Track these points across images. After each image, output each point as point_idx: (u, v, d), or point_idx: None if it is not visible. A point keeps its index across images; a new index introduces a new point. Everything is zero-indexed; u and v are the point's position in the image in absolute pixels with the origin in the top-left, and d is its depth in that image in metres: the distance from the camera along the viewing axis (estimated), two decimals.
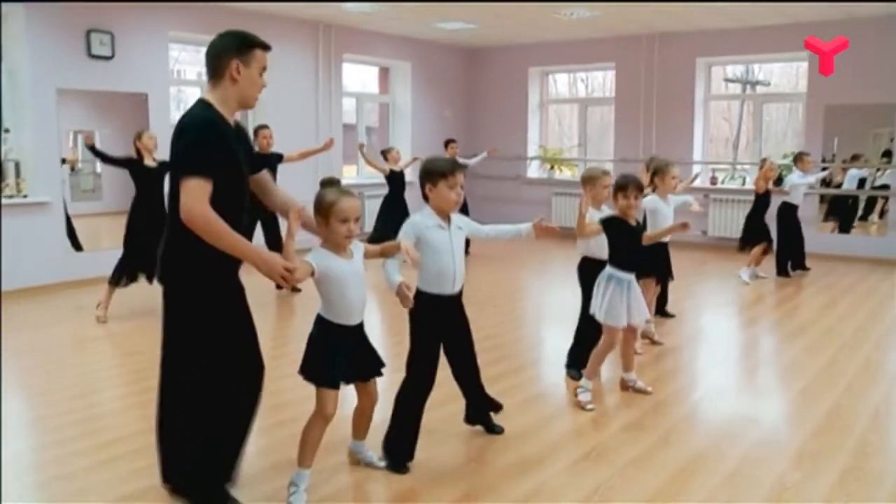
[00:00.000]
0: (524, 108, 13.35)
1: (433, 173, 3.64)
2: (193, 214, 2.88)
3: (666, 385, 5.11)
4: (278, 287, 6.73)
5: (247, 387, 3.23)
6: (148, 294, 6.27)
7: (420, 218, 3.67)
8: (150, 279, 6.67)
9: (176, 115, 10.12)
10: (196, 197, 2.88)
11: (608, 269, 4.63)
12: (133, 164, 6.83)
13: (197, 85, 10.21)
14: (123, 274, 6.72)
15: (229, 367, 3.12)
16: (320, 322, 3.28)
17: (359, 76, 12.71)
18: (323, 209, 3.14)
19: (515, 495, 3.43)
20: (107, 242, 8.55)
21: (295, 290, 7.35)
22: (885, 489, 3.56)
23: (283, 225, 3.31)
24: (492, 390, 4.29)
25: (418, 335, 3.72)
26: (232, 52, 3.05)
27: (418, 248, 3.56)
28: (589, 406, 4.57)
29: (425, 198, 3.70)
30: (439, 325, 3.75)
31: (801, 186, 8.92)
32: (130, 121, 9.00)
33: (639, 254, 4.72)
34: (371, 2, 9.41)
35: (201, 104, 3.06)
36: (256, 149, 7.18)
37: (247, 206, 3.18)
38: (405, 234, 3.58)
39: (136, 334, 6.36)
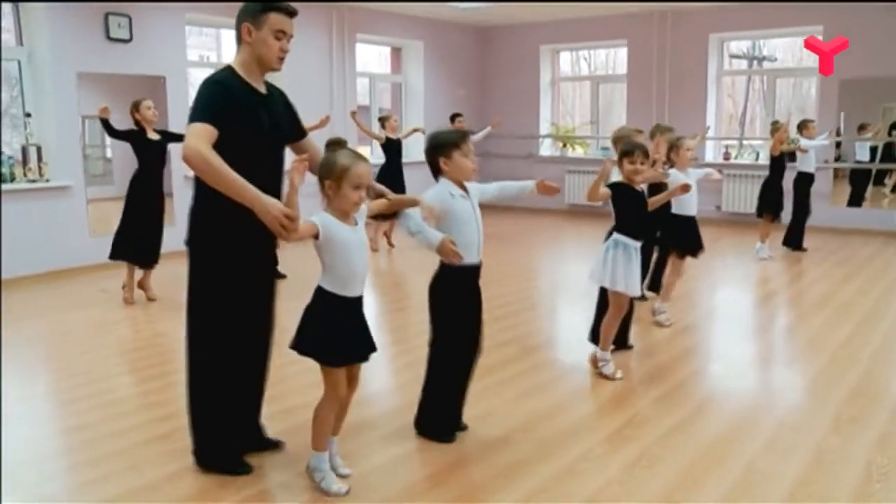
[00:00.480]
0: (536, 86, 13.35)
1: (445, 145, 3.59)
2: (189, 151, 2.94)
3: (689, 360, 5.17)
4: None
5: (258, 344, 3.44)
6: (170, 276, 6.32)
7: (445, 188, 3.58)
8: (143, 265, 6.82)
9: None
10: (196, 137, 2.96)
11: (615, 235, 4.61)
12: (135, 136, 6.67)
13: (213, 67, 10.20)
14: (120, 247, 6.74)
15: (241, 324, 3.30)
16: (322, 294, 3.11)
17: (371, 57, 12.69)
18: (335, 173, 3.00)
19: (562, 463, 3.51)
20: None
21: (279, 275, 7.11)
22: None
23: None
24: (511, 371, 4.37)
25: (447, 308, 3.65)
26: (245, 16, 3.19)
27: (444, 220, 3.53)
28: (617, 375, 4.63)
29: (438, 172, 3.61)
30: (466, 295, 3.68)
31: (812, 150, 8.95)
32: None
33: (645, 220, 4.70)
34: None
35: (224, 68, 3.24)
36: None
37: (269, 169, 3.21)
38: (434, 201, 3.50)
39: (159, 317, 6.42)
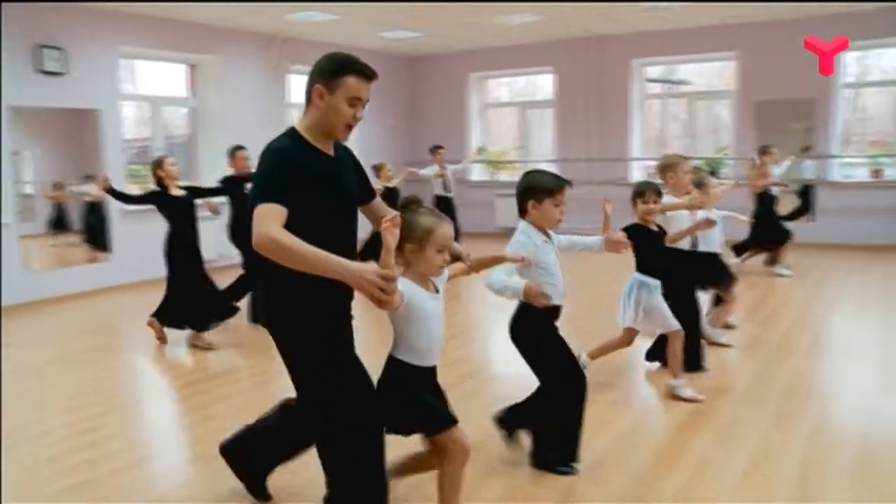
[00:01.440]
0: (465, 113, 13.68)
1: (539, 189, 3.49)
2: (260, 239, 2.58)
3: (637, 366, 5.43)
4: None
5: (370, 415, 2.90)
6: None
7: (529, 238, 3.52)
8: (198, 328, 6.37)
9: (130, 131, 10.16)
10: (263, 221, 2.61)
11: (636, 276, 4.69)
12: (158, 197, 6.23)
13: (148, 101, 10.18)
14: (170, 315, 6.37)
15: (353, 398, 2.85)
16: (397, 366, 2.91)
17: (302, 87, 12.77)
18: (417, 235, 2.80)
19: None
20: (41, 264, 8.68)
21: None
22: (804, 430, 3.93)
23: None
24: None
25: (544, 345, 3.61)
26: (319, 77, 2.81)
27: (532, 268, 3.47)
28: (699, 397, 4.60)
29: (524, 213, 3.55)
30: (549, 331, 3.64)
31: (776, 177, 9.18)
32: (73, 138, 9.02)
33: (664, 258, 4.74)
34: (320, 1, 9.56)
35: (287, 131, 2.89)
36: (232, 171, 7.02)
37: (345, 237, 2.89)
38: (520, 252, 3.43)
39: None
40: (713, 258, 5.71)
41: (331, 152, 2.89)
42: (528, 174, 3.62)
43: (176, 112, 11.10)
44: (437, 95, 13.82)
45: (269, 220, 2.60)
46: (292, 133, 2.85)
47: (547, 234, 3.58)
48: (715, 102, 15.28)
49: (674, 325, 4.66)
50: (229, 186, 6.87)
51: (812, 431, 4.10)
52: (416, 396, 2.89)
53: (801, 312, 6.99)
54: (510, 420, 3.82)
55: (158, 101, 10.11)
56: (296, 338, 2.84)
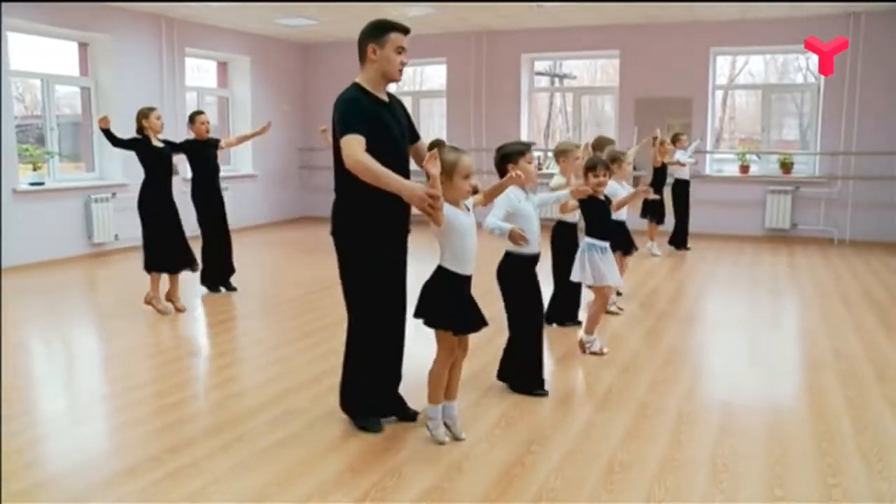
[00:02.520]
0: None
1: (513, 154, 4.32)
2: (351, 161, 3.51)
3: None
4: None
5: (398, 317, 3.99)
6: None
7: (513, 192, 4.34)
8: (192, 267, 6.84)
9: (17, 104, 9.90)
10: (351, 147, 3.54)
11: (587, 240, 5.36)
12: (140, 145, 6.62)
13: (38, 78, 9.93)
14: (156, 261, 6.65)
15: (383, 306, 3.88)
16: (443, 273, 3.67)
17: (198, 71, 12.70)
18: (446, 168, 3.51)
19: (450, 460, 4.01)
20: None
21: (231, 287, 7.62)
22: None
23: None
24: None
25: (518, 288, 4.52)
26: (368, 37, 3.77)
27: (513, 218, 4.33)
28: (605, 350, 5.43)
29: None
30: (527, 277, 4.54)
31: (687, 162, 10.06)
32: None
33: (610, 224, 5.47)
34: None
35: (352, 85, 3.80)
36: (193, 135, 7.39)
37: (400, 164, 3.69)
38: (502, 207, 4.31)
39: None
40: (621, 226, 6.46)
41: (386, 99, 3.85)
42: (500, 147, 4.44)
43: (64, 91, 10.86)
44: (332, 83, 13.82)
45: (356, 146, 3.53)
46: (356, 86, 3.78)
47: (526, 193, 4.45)
48: (598, 97, 16.07)
49: (618, 281, 5.53)
50: (190, 149, 7.31)
51: (685, 395, 4.62)
52: (449, 299, 3.65)
53: (676, 293, 7.61)
54: (504, 373, 4.69)
55: (49, 78, 9.89)
56: (348, 242, 3.82)
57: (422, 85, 16.55)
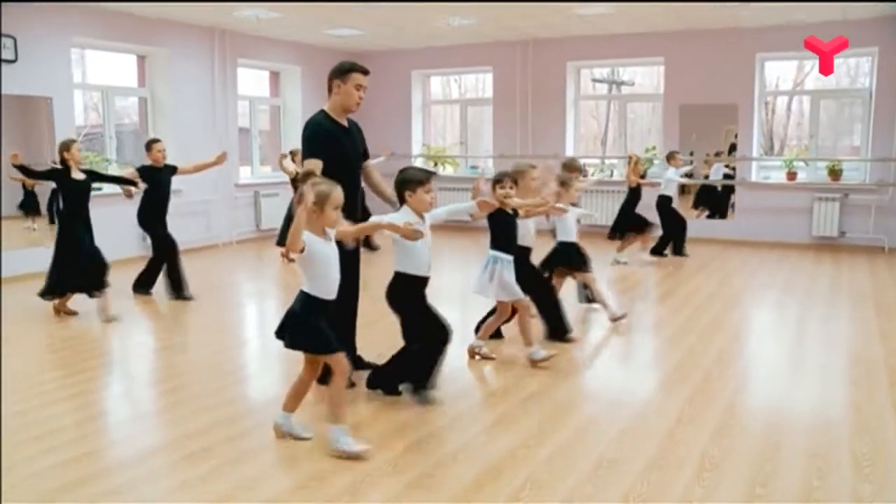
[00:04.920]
0: (408, 109, 14.14)
1: (413, 181, 4.30)
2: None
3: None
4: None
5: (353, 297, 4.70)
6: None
7: (406, 216, 4.26)
8: (89, 293, 6.86)
9: (79, 119, 10.43)
10: (307, 170, 4.29)
11: (492, 252, 5.25)
12: (58, 175, 6.79)
13: (99, 90, 10.44)
14: (56, 287, 6.81)
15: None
16: (305, 297, 3.81)
17: (251, 81, 13.13)
18: (320, 198, 3.71)
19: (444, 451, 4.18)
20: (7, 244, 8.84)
21: (186, 298, 7.74)
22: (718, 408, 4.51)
23: None
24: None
25: (409, 307, 4.47)
26: (335, 75, 4.63)
27: (404, 243, 4.26)
28: (492, 354, 5.51)
29: (402, 201, 4.35)
30: (417, 297, 4.49)
31: (674, 181, 10.05)
32: (32, 126, 9.27)
33: (515, 237, 5.34)
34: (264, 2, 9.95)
35: (319, 111, 4.66)
36: (150, 162, 7.67)
37: (357, 181, 4.65)
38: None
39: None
40: (572, 245, 6.55)
41: (346, 125, 4.69)
42: (401, 171, 4.45)
43: (125, 101, 11.37)
44: (382, 91, 14.18)
45: (314, 168, 4.32)
46: (323, 113, 4.65)
47: (421, 217, 4.34)
48: (644, 104, 16.04)
49: (521, 296, 5.29)
50: (146, 174, 7.61)
51: (688, 397, 4.69)
52: (315, 322, 3.79)
53: (706, 299, 7.60)
54: (377, 381, 4.68)
55: (109, 90, 10.38)
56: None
57: (476, 92, 16.73)
